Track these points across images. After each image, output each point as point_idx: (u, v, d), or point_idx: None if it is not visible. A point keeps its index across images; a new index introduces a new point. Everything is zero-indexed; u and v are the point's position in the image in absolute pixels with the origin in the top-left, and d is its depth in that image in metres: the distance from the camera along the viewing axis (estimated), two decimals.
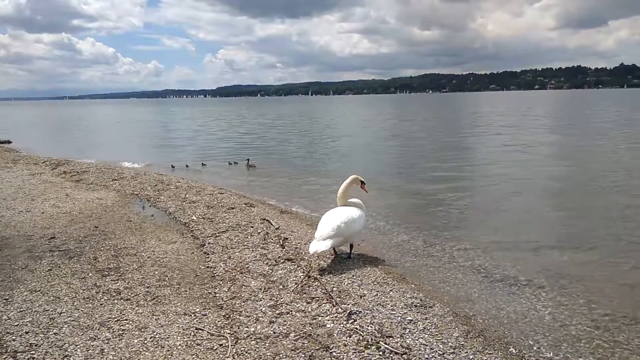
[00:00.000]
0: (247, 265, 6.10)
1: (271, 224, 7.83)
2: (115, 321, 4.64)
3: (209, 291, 5.46)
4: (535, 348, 4.36)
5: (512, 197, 10.78)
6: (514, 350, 4.24)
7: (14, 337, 4.30)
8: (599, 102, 78.31)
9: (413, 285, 5.60)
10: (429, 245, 7.34)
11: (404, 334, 4.27)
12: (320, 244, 5.70)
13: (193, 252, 6.84)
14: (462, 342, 4.19)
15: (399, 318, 4.57)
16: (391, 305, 4.84)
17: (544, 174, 13.45)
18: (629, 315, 4.97)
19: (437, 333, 4.33)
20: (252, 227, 7.79)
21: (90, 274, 5.87)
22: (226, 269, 6.06)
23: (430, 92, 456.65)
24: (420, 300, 5.02)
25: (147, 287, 5.51)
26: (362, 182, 6.67)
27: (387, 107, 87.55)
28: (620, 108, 53.16)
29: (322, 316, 4.62)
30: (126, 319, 4.69)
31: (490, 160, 16.19)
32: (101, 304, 5.03)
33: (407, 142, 23.34)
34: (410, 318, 4.58)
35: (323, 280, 5.48)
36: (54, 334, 4.37)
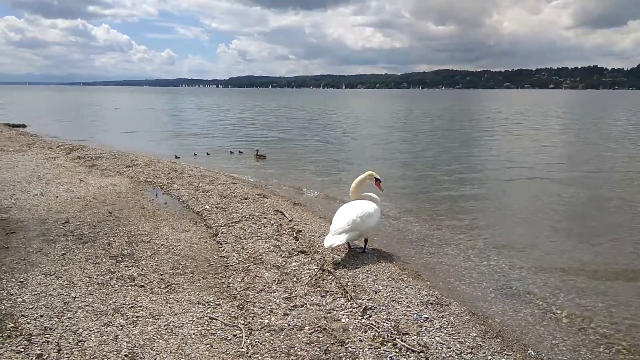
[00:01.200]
0: (260, 256, 6.07)
1: (284, 216, 7.79)
2: (129, 308, 4.63)
3: (223, 281, 5.43)
4: (554, 351, 4.28)
5: (529, 198, 10.63)
6: (532, 353, 4.15)
7: (28, 320, 4.30)
8: (621, 103, 77.11)
9: (428, 283, 5.53)
10: (444, 243, 7.25)
11: (421, 331, 4.20)
12: (335, 238, 5.63)
13: (206, 241, 6.82)
14: (480, 342, 4.12)
15: (415, 315, 4.50)
16: (407, 302, 4.78)
17: (564, 176, 13.20)
18: None
19: (454, 332, 4.26)
20: (265, 218, 7.75)
21: (104, 260, 5.87)
22: (240, 259, 6.04)
23: (444, 88, 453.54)
24: (436, 298, 4.95)
25: (161, 275, 5.50)
26: (377, 180, 6.48)
27: (401, 102, 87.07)
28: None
29: (336, 310, 4.57)
30: (140, 306, 4.68)
31: (509, 161, 15.85)
32: (115, 290, 5.03)
33: (423, 139, 23.08)
34: (426, 316, 4.51)
35: (337, 274, 5.42)
36: (68, 318, 4.37)
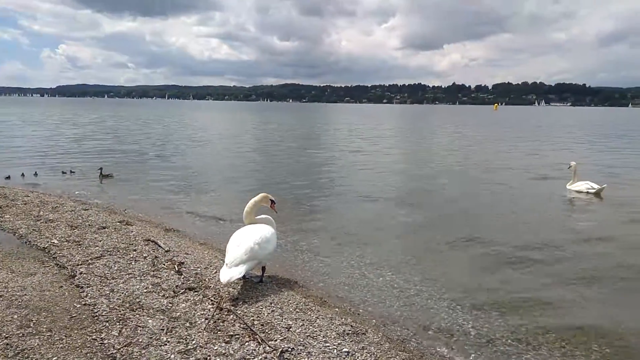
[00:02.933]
0: (137, 300, 5.05)
1: (159, 246, 6.76)
2: None
3: (94, 337, 4.34)
4: None
5: (404, 205, 10.94)
6: None
7: None
8: (450, 117, 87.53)
9: (337, 309, 5.17)
10: (336, 261, 6.99)
11: None
12: (233, 271, 4.94)
13: (62, 286, 5.51)
14: None
15: (335, 351, 4.07)
16: (322, 336, 4.33)
17: (432, 187, 13.92)
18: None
19: None
20: (134, 250, 6.62)
21: None
22: (111, 306, 4.94)
23: (291, 101, 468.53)
24: (351, 326, 4.59)
25: (6, 338, 4.18)
26: (272, 202, 6.07)
27: (252, 114, 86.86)
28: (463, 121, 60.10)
29: (249, 358, 3.91)
30: None
31: (382, 170, 16.33)
32: None
33: (279, 153, 22.87)
34: (346, 350, 4.11)
35: (239, 312, 4.73)
36: None
